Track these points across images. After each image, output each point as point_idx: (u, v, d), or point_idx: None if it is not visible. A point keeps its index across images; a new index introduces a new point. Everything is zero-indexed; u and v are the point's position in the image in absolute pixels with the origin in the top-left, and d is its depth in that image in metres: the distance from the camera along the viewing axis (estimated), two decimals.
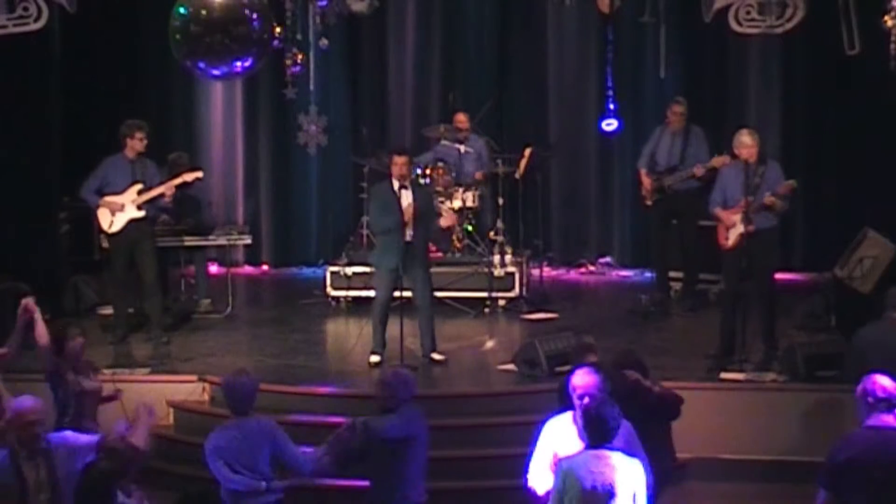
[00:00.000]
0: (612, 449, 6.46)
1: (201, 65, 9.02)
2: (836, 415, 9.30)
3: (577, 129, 14.88)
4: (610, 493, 6.33)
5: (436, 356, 10.93)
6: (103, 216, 11.44)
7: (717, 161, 11.70)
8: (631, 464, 6.47)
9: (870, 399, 6.46)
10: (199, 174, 12.01)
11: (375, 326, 10.89)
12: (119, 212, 11.37)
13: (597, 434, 6.45)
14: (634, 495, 6.41)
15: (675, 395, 8.04)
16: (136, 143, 11.41)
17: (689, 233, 12.63)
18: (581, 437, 6.65)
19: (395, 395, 7.58)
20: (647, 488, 6.54)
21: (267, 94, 14.74)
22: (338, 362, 11.14)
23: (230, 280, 13.01)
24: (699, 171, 12.23)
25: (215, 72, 9.19)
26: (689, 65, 14.27)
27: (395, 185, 10.75)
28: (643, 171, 12.74)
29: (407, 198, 10.68)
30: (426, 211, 10.92)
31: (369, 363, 10.86)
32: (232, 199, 15.23)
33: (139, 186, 11.39)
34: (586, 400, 6.78)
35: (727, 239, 10.71)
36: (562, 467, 6.45)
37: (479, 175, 13.39)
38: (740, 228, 10.55)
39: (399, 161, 10.75)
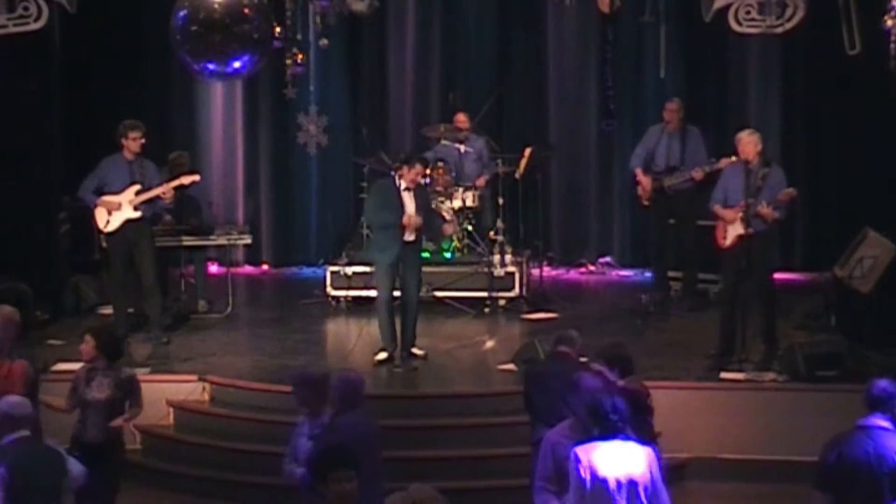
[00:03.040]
0: (626, 439, 6.52)
1: (206, 66, 9.03)
2: (836, 415, 9.24)
3: (577, 129, 14.87)
4: (635, 482, 6.39)
5: (416, 351, 11.03)
6: (100, 215, 11.44)
7: (724, 162, 11.61)
8: (647, 451, 6.54)
9: (866, 398, 6.48)
10: (196, 177, 12.01)
11: (384, 323, 10.90)
12: (116, 211, 11.36)
13: (607, 426, 6.48)
14: (654, 481, 6.46)
15: (639, 391, 7.82)
16: (130, 144, 11.39)
17: (688, 233, 12.61)
18: (582, 441, 6.66)
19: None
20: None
21: (267, 94, 14.71)
22: (338, 362, 11.13)
23: (230, 280, 13.00)
24: (698, 174, 12.20)
25: (213, 69, 9.20)
26: (689, 65, 14.26)
27: (401, 185, 10.81)
28: (639, 171, 12.69)
29: (410, 202, 10.77)
30: (427, 212, 11.02)
31: (376, 361, 10.87)
32: (232, 199, 15.20)
33: (137, 187, 11.38)
34: (592, 397, 6.81)
35: (725, 238, 10.70)
36: (583, 459, 6.43)
37: (480, 182, 13.39)
38: (739, 230, 10.52)
39: (418, 170, 10.86)
